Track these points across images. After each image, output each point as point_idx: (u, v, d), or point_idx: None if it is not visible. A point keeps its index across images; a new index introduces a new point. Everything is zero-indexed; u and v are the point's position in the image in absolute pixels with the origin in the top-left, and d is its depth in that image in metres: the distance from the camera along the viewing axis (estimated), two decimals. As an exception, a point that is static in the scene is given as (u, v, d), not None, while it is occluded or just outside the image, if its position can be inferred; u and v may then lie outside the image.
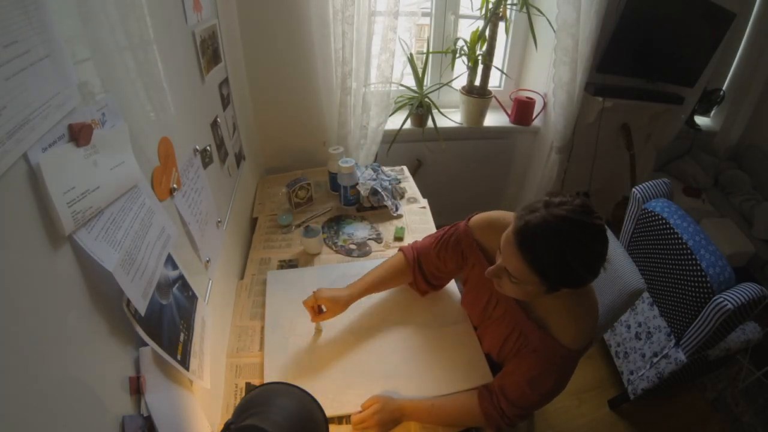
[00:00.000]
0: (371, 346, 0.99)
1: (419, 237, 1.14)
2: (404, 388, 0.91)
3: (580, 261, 0.67)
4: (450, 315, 1.08)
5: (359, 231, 1.38)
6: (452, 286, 1.15)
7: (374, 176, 1.51)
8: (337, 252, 1.30)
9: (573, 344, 0.78)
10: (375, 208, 1.48)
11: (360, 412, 0.86)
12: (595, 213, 0.69)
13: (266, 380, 0.92)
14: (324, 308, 0.96)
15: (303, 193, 1.45)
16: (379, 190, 1.45)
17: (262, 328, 1.05)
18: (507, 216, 0.90)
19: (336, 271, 1.20)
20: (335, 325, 1.02)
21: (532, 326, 0.83)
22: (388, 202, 1.45)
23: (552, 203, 0.69)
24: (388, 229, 1.39)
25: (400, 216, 1.45)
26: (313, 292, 0.96)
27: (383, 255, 1.29)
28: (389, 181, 1.52)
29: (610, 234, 1.02)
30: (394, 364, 0.96)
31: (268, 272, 1.19)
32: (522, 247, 0.68)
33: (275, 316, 1.06)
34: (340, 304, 0.96)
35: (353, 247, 1.31)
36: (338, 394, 0.89)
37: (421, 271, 1.04)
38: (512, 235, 0.70)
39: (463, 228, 0.97)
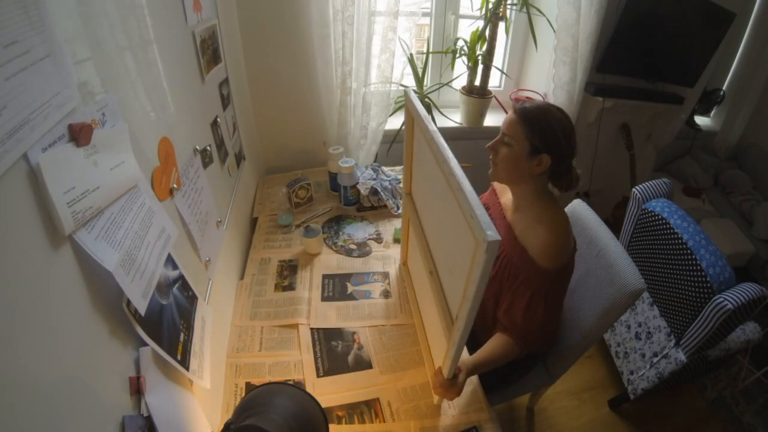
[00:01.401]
0: None
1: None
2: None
3: (556, 123, 0.91)
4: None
5: (359, 231, 1.38)
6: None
7: (374, 176, 1.51)
8: (337, 252, 1.30)
9: (548, 263, 0.92)
10: (375, 207, 1.48)
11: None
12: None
13: None
14: None
15: (303, 193, 1.45)
16: (379, 190, 1.45)
17: (263, 328, 1.05)
18: None
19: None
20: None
21: (517, 246, 0.97)
22: (389, 201, 1.45)
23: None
24: (388, 229, 1.39)
25: (401, 215, 1.45)
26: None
27: (383, 255, 1.30)
28: (389, 181, 1.52)
29: (610, 233, 1.12)
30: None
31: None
32: (518, 110, 0.93)
33: None
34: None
35: (353, 247, 1.31)
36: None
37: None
38: (512, 109, 0.95)
39: (489, 190, 1.24)
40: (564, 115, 0.93)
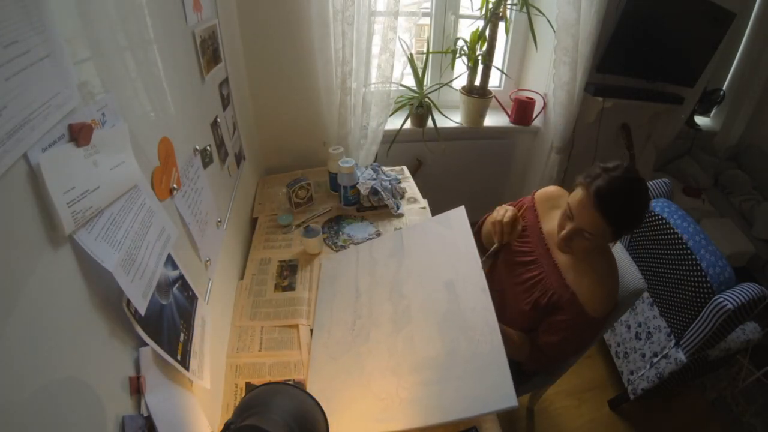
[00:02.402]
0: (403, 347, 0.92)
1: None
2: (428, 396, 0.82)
3: (641, 208, 0.86)
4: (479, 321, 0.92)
5: (359, 231, 1.38)
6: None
7: (374, 176, 1.51)
8: (337, 252, 1.30)
9: (595, 312, 0.92)
10: (375, 208, 1.48)
11: None
12: (638, 171, 0.89)
13: (310, 379, 0.94)
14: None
15: (303, 193, 1.45)
16: (379, 189, 1.45)
17: (263, 328, 1.05)
18: (562, 192, 1.10)
19: (388, 243, 1.20)
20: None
21: (566, 289, 0.96)
22: (389, 201, 1.45)
23: (608, 168, 0.88)
24: (388, 229, 1.39)
25: (400, 215, 1.45)
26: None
27: (383, 255, 1.29)
28: (389, 181, 1.52)
29: None
30: (422, 364, 0.87)
31: (322, 261, 1.23)
32: (602, 208, 0.84)
33: (322, 313, 1.08)
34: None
35: (353, 247, 1.31)
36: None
37: None
38: (589, 199, 0.85)
39: (529, 201, 1.14)
40: (645, 187, 0.87)
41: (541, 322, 1.02)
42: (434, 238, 1.12)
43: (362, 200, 1.47)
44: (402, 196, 1.55)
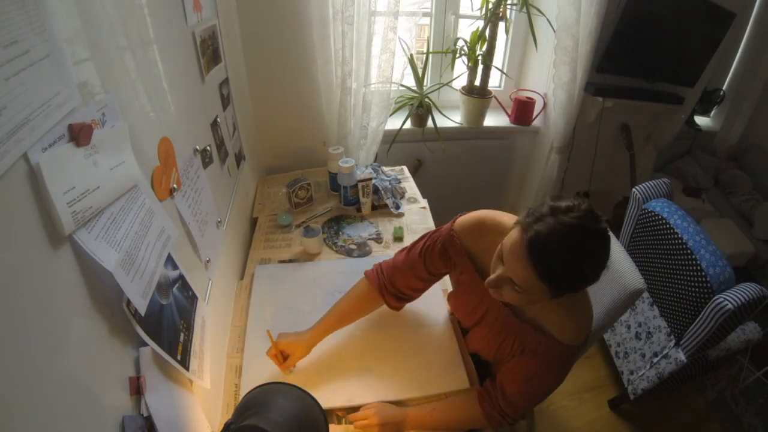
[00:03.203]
0: (349, 346, 1.01)
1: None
2: (377, 388, 0.92)
3: (592, 269, 0.66)
4: (432, 316, 1.09)
5: (359, 231, 1.38)
6: (435, 287, 1.05)
7: (374, 176, 1.51)
8: (337, 252, 1.30)
9: (572, 341, 0.78)
10: (375, 207, 1.48)
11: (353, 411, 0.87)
12: (601, 217, 0.67)
13: (243, 379, 0.92)
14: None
15: (303, 193, 1.45)
16: (380, 189, 1.45)
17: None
18: (495, 216, 0.87)
19: (327, 268, 1.23)
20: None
21: (526, 329, 0.82)
22: (389, 200, 1.45)
23: (559, 209, 0.65)
24: (387, 229, 1.39)
25: (401, 214, 1.45)
26: (273, 341, 0.90)
27: (384, 254, 1.29)
28: (389, 181, 1.52)
29: (610, 233, 1.04)
30: (368, 364, 0.97)
31: (256, 267, 1.21)
32: (534, 259, 0.65)
33: (259, 312, 1.08)
34: (301, 348, 0.91)
35: (353, 247, 1.31)
36: (311, 389, 0.89)
37: (393, 289, 0.96)
38: (522, 246, 0.66)
39: (447, 233, 0.91)
40: (601, 241, 0.66)
41: (506, 361, 0.87)
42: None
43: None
44: (402, 196, 1.55)
